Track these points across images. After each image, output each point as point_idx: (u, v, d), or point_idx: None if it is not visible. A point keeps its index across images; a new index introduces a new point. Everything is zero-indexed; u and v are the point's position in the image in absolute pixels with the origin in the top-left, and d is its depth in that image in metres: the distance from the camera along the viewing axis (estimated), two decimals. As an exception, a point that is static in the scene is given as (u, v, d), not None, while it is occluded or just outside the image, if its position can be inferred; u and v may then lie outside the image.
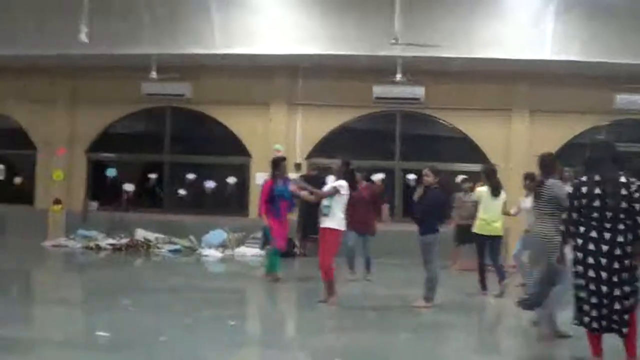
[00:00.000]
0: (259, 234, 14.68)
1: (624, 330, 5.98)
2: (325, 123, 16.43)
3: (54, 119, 17.45)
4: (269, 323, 9.01)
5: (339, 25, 14.40)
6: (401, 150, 16.42)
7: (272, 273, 11.44)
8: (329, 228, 9.17)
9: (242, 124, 16.70)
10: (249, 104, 16.57)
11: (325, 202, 9.27)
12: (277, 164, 11.63)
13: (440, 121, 16.36)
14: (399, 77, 14.61)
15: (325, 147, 16.17)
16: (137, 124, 18.05)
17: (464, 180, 14.33)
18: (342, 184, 9.26)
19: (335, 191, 9.24)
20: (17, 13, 15.23)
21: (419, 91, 15.70)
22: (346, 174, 9.44)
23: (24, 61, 16.41)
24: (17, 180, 17.87)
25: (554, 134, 15.41)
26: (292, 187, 11.13)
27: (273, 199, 11.33)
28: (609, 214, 5.93)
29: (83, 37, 13.57)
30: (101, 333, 7.30)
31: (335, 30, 14.43)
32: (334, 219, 9.16)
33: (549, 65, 14.49)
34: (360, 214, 11.21)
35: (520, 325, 8.53)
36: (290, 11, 14.63)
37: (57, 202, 17.33)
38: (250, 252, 15.31)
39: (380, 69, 15.03)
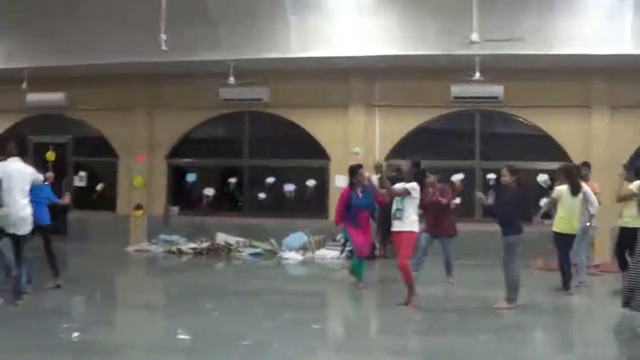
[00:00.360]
0: (339, 237, 14.99)
1: None
2: (403, 124, 16.46)
3: (134, 126, 18.05)
4: (351, 326, 9.09)
5: (415, 25, 14.43)
6: (481, 149, 16.36)
7: (357, 281, 11.29)
8: (402, 231, 9.22)
9: (321, 126, 16.90)
10: (326, 107, 16.77)
11: (396, 205, 9.28)
12: (354, 172, 11.44)
13: (520, 119, 16.24)
14: (477, 75, 14.51)
15: (403, 148, 16.15)
16: (216, 129, 18.45)
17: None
18: (414, 186, 9.23)
19: (406, 192, 9.24)
20: (97, 23, 15.75)
21: (497, 90, 15.64)
22: (416, 175, 9.42)
23: (105, 69, 16.96)
24: (99, 187, 18.63)
25: (635, 130, 15.20)
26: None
27: (350, 207, 11.23)
28: None
29: (162, 44, 14.09)
30: (183, 336, 7.60)
31: (412, 30, 14.46)
32: (407, 222, 9.19)
33: (628, 59, 14.22)
34: (433, 215, 11.25)
35: (605, 325, 8.52)
36: (366, 12, 14.70)
37: (139, 207, 17.96)
38: (331, 254, 15.50)
39: (458, 68, 14.95)
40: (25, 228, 8.87)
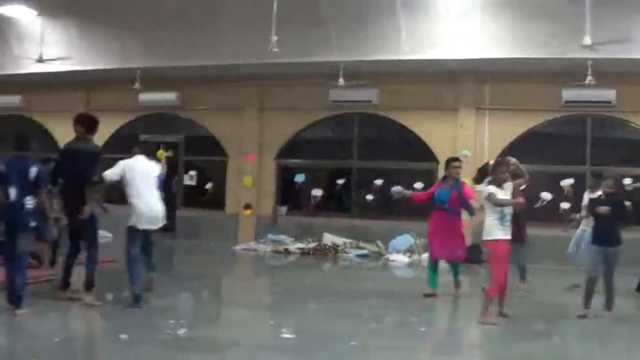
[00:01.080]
0: None
1: None
2: (513, 127, 16.54)
3: (245, 126, 18.76)
4: (455, 330, 9.16)
5: (526, 28, 14.52)
6: (591, 154, 16.23)
7: (431, 289, 10.74)
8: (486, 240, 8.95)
9: (429, 129, 17.12)
10: (436, 109, 17.01)
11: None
12: (447, 164, 11.03)
13: (632, 124, 16.08)
14: (589, 79, 14.48)
15: (513, 152, 16.11)
16: (326, 130, 18.95)
17: None
18: (490, 189, 8.91)
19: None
20: (209, 25, 16.56)
21: (609, 94, 15.53)
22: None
23: (216, 71, 17.83)
24: (209, 185, 19.68)
25: None
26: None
27: (434, 202, 10.92)
28: None
29: (273, 46, 14.82)
30: (289, 335, 7.84)
31: (522, 33, 14.56)
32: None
33: None
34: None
35: None
36: (476, 15, 14.87)
37: (248, 207, 18.85)
38: None
39: (569, 72, 14.96)
40: (159, 223, 9.35)
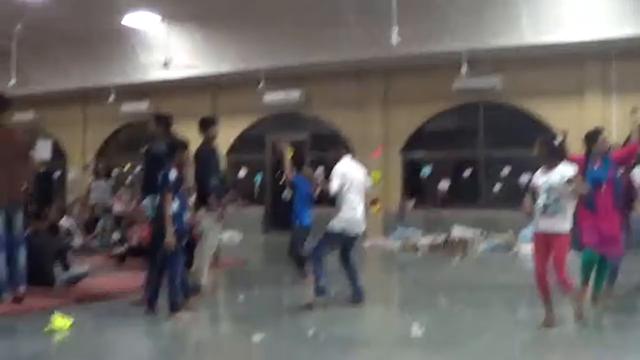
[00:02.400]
0: None
1: None
2: None
3: (369, 121, 19.32)
4: (580, 325, 8.20)
5: None
6: None
7: (595, 293, 9.22)
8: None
9: (555, 114, 17.12)
10: (561, 94, 17.09)
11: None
12: (592, 138, 9.23)
13: None
14: None
15: None
16: (450, 120, 19.23)
17: None
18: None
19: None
20: (330, 20, 17.22)
21: None
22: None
23: (339, 66, 18.57)
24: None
25: None
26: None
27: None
28: None
29: (394, 38, 15.03)
30: (418, 332, 7.78)
31: None
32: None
33: None
34: None
35: None
36: None
37: (375, 202, 19.43)
38: None
39: None
40: (362, 228, 9.63)
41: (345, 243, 9.58)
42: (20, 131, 9.51)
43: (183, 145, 8.61)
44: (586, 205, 8.74)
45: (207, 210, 9.42)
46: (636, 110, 9.41)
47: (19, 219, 9.01)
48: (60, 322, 7.69)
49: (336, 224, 9.36)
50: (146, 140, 9.80)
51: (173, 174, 8.28)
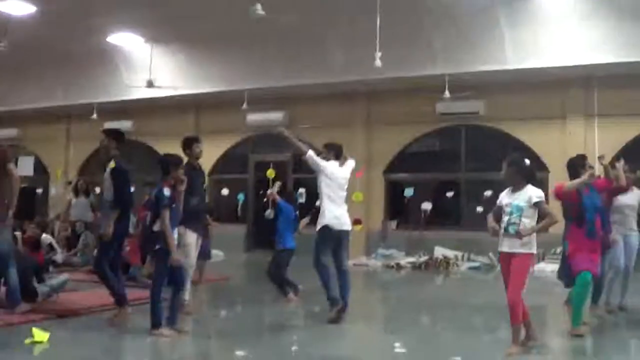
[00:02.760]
0: (559, 249, 15.42)
1: None
2: (623, 134, 16.55)
3: (353, 142, 19.08)
4: (574, 347, 8.35)
5: (635, 31, 14.63)
6: None
7: (578, 325, 8.61)
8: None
9: (538, 138, 17.33)
10: (543, 118, 17.25)
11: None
12: (579, 164, 9.13)
13: None
14: None
15: (624, 158, 16.39)
16: (433, 143, 19.44)
17: None
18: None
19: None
20: (314, 45, 17.50)
21: None
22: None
23: (323, 89, 18.71)
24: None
25: None
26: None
27: (579, 213, 8.68)
28: None
29: (377, 62, 14.99)
30: (402, 350, 8.00)
31: (631, 36, 14.67)
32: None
33: None
34: None
35: None
36: (582, 20, 15.06)
37: (357, 222, 19.45)
38: (550, 267, 15.42)
39: None
40: (349, 226, 9.85)
41: (334, 242, 9.66)
42: None
43: (178, 162, 8.60)
44: (589, 234, 8.57)
45: (187, 227, 9.34)
46: (602, 158, 9.69)
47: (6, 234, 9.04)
48: (40, 336, 7.68)
49: (322, 220, 9.51)
50: (104, 157, 9.53)
51: (167, 191, 8.26)
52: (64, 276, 10.44)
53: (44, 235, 15.24)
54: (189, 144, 9.94)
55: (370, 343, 8.79)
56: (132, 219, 11.11)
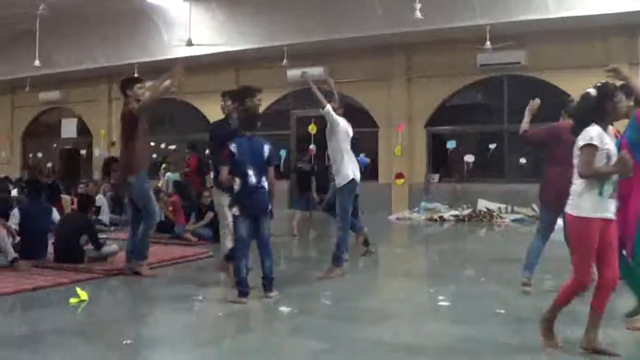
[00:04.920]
0: None
1: None
2: None
3: (394, 97, 19.44)
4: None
5: None
6: None
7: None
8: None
9: (580, 87, 17.13)
10: (586, 67, 16.58)
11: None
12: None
13: None
14: None
15: None
16: (474, 95, 19.46)
17: None
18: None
19: None
20: None
21: None
22: None
23: (363, 42, 18.59)
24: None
25: None
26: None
27: None
28: None
29: (417, 14, 15.07)
30: (446, 303, 8.05)
31: None
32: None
33: None
34: None
35: None
36: None
37: (400, 176, 19.63)
38: None
39: None
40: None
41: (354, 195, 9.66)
42: None
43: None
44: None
45: (217, 187, 9.34)
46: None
47: None
48: (83, 295, 7.88)
49: (347, 173, 9.35)
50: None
51: (267, 149, 8.12)
52: (113, 246, 10.57)
53: (99, 196, 15.52)
54: (242, 96, 9.15)
55: (412, 296, 8.78)
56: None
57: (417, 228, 16.99)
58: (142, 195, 9.46)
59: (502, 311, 7.51)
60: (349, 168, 9.41)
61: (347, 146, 9.46)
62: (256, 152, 7.97)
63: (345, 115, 9.79)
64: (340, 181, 9.36)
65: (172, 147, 24.30)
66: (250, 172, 7.88)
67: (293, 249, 13.40)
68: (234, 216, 8.04)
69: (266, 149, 8.00)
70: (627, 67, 16.40)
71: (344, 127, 9.54)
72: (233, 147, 7.98)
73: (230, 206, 8.24)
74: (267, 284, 8.06)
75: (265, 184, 7.97)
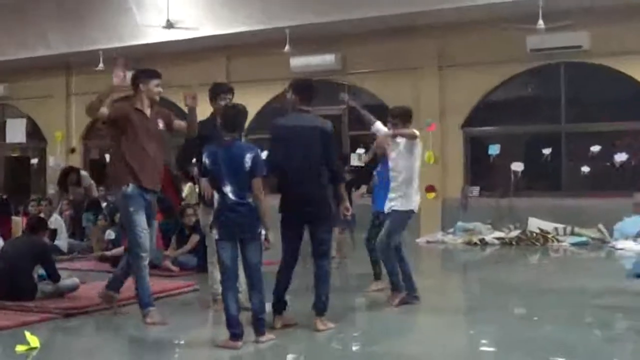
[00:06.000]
0: None
1: None
2: None
3: (421, 90, 19.28)
4: None
5: None
6: None
7: None
8: None
9: None
10: None
11: None
12: None
13: None
14: None
15: None
16: (524, 87, 19.32)
17: None
18: None
19: None
20: None
21: None
22: None
23: (382, 24, 18.55)
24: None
25: None
26: None
27: None
28: None
29: None
30: (490, 348, 8.02)
31: None
32: None
33: None
34: None
35: None
36: None
37: (431, 189, 19.44)
38: None
39: None
40: None
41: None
42: None
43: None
44: None
45: (203, 204, 9.35)
46: None
47: None
48: (34, 341, 7.78)
49: (413, 201, 9.89)
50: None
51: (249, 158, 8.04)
52: (73, 280, 10.50)
53: (54, 216, 15.47)
54: (215, 93, 9.88)
55: (446, 339, 8.74)
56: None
57: (452, 254, 16.98)
58: (123, 216, 9.42)
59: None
60: (418, 196, 9.96)
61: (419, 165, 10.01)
62: (235, 162, 7.86)
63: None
64: (402, 206, 9.82)
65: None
66: (228, 187, 7.83)
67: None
68: (216, 241, 8.00)
69: (248, 157, 7.83)
70: None
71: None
72: (205, 156, 7.98)
73: (210, 228, 8.20)
74: (257, 324, 7.97)
75: (250, 200, 7.86)
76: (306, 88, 9.27)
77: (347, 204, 9.07)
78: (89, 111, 9.10)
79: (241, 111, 8.29)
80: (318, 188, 8.63)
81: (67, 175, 17.29)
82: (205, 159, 7.95)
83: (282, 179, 8.69)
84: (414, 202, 9.88)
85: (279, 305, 8.57)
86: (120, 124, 9.08)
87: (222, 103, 9.41)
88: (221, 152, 7.91)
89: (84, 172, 18.08)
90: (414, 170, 9.87)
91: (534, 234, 17.35)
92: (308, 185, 8.58)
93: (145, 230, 8.98)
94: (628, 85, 17.42)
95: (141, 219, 8.98)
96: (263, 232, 7.96)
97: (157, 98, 9.31)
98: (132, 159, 9.04)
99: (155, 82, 9.31)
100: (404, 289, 9.93)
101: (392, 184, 9.97)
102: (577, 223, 17.36)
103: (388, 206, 9.97)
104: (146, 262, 9.03)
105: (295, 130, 8.81)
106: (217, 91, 9.84)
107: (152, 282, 11.03)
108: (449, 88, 19.38)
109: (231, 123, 8.09)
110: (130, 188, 8.97)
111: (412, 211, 9.92)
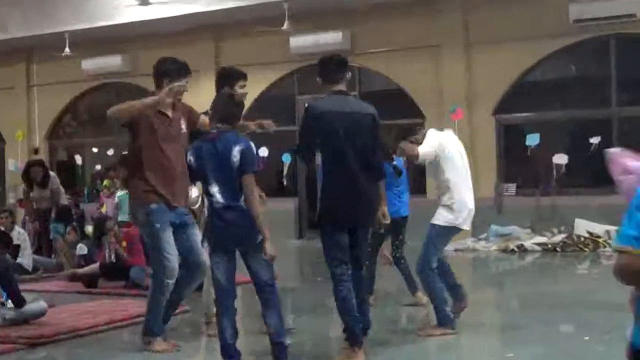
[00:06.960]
0: None
1: None
2: None
3: (444, 72, 19.42)
4: None
5: None
6: None
7: None
8: None
9: None
10: None
11: None
12: None
13: None
14: None
15: None
16: (566, 65, 19.43)
17: None
18: None
19: None
20: None
21: None
22: None
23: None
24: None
25: None
26: None
27: None
28: None
29: None
30: None
31: None
32: None
33: None
34: None
35: None
36: None
37: (456, 188, 19.45)
38: None
39: None
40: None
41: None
42: None
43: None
44: None
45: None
46: None
47: None
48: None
49: (453, 214, 10.10)
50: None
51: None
52: (40, 304, 10.53)
53: (17, 229, 15.51)
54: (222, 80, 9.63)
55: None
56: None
57: (485, 262, 17.09)
58: (146, 236, 9.31)
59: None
60: (462, 207, 10.25)
61: (457, 175, 10.30)
62: (221, 158, 7.64)
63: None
64: (440, 218, 10.10)
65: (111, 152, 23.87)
66: (215, 187, 7.64)
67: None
68: (209, 255, 7.92)
69: (236, 150, 7.58)
70: None
71: (451, 150, 10.29)
72: (189, 153, 7.87)
73: (202, 239, 8.20)
74: (277, 352, 7.73)
75: (242, 203, 7.62)
76: (320, 65, 8.91)
77: (386, 208, 9.02)
78: (111, 117, 9.07)
79: (233, 99, 8.17)
80: (374, 186, 8.67)
81: (31, 167, 17.19)
82: (190, 156, 7.81)
83: (328, 176, 8.46)
84: (440, 215, 10.09)
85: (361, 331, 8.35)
86: (138, 127, 8.86)
87: (240, 91, 9.20)
88: (206, 146, 7.72)
89: (52, 173, 18.00)
90: (440, 183, 10.16)
91: (582, 239, 17.43)
92: (365, 183, 8.49)
93: (174, 254, 8.70)
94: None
95: (169, 238, 8.71)
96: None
97: (181, 97, 9.14)
98: (153, 170, 8.81)
99: (182, 81, 9.11)
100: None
101: None
102: (632, 224, 17.27)
103: None
104: (170, 290, 8.80)
105: (350, 117, 8.42)
106: (230, 77, 9.53)
107: (132, 305, 11.16)
108: (477, 68, 19.47)
109: (219, 112, 7.92)
110: (155, 206, 8.73)
111: (433, 225, 10.12)
